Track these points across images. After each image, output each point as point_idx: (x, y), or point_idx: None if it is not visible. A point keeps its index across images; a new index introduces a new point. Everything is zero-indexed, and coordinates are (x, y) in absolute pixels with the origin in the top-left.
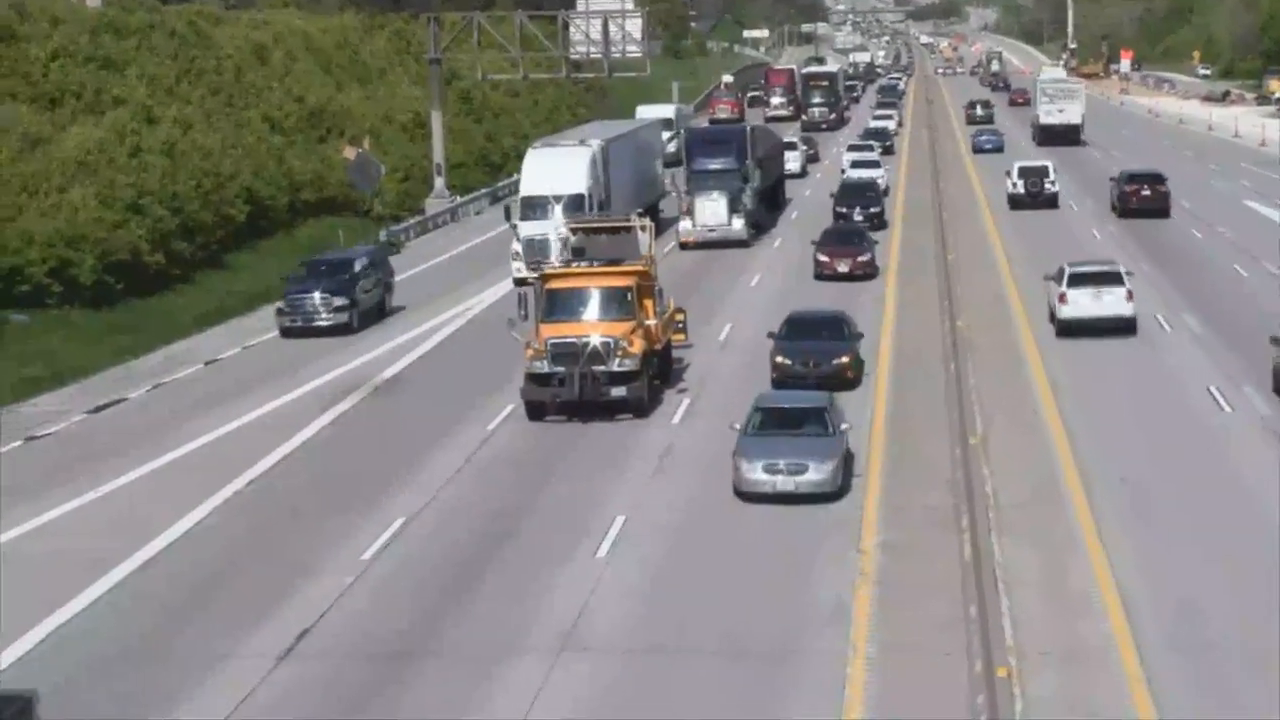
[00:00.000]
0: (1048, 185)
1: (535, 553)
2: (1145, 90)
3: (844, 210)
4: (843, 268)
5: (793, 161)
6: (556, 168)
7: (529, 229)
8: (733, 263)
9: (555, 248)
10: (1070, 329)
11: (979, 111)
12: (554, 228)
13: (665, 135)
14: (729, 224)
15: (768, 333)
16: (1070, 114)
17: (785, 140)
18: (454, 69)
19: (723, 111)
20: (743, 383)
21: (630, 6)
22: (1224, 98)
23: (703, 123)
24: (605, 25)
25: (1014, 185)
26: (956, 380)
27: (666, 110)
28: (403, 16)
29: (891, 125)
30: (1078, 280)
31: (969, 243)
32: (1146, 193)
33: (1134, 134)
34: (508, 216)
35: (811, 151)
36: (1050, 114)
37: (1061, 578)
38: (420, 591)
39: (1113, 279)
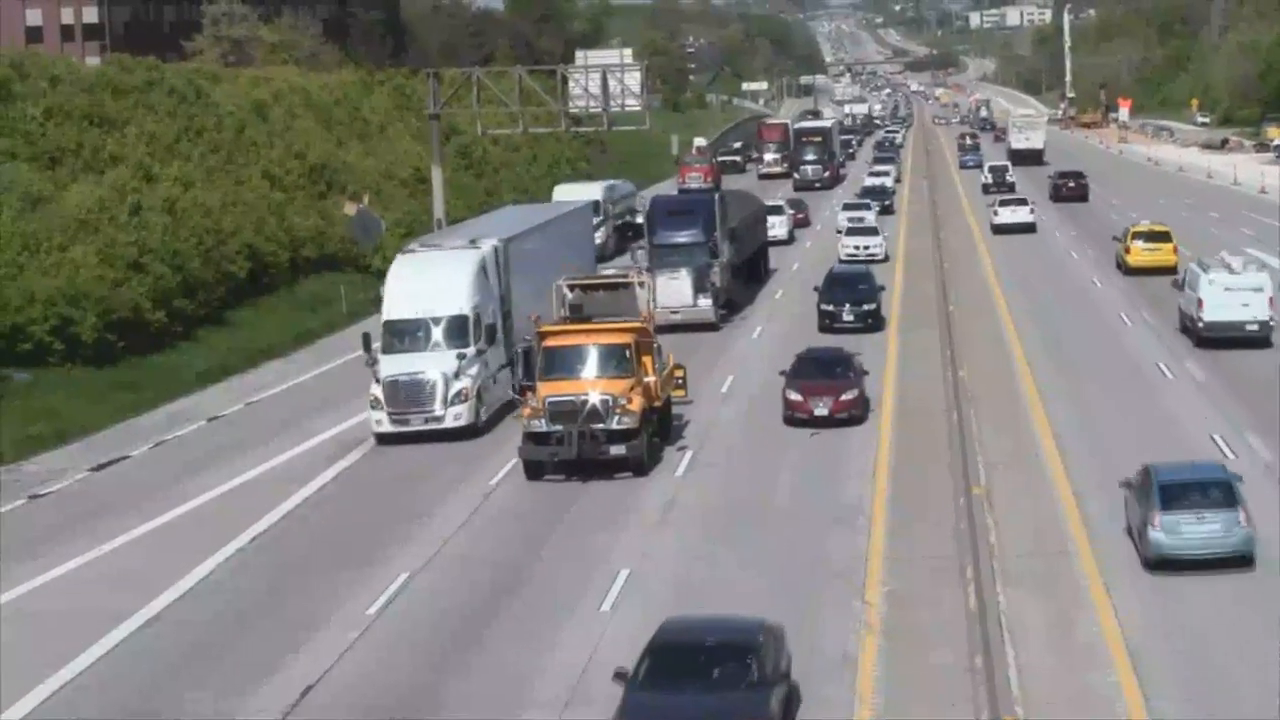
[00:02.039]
0: (1008, 177)
1: (540, 606)
2: (1144, 138)
3: (830, 308)
4: (820, 410)
5: (779, 227)
6: (433, 280)
7: (395, 366)
8: (731, 317)
9: (439, 389)
10: (1001, 230)
11: (967, 141)
12: (434, 363)
13: (595, 220)
14: (694, 304)
15: (614, 672)
16: (1034, 141)
17: (769, 204)
18: (454, 124)
19: (693, 180)
20: (746, 434)
21: (629, 60)
22: (1223, 145)
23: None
24: (604, 79)
25: (986, 177)
26: (959, 429)
27: (592, 191)
28: (402, 72)
29: (889, 181)
30: (1005, 203)
31: (970, 295)
32: (1072, 185)
33: (1135, 183)
34: (366, 346)
35: (800, 215)
36: (1019, 141)
37: (1068, 628)
38: (425, 646)
39: (1024, 202)
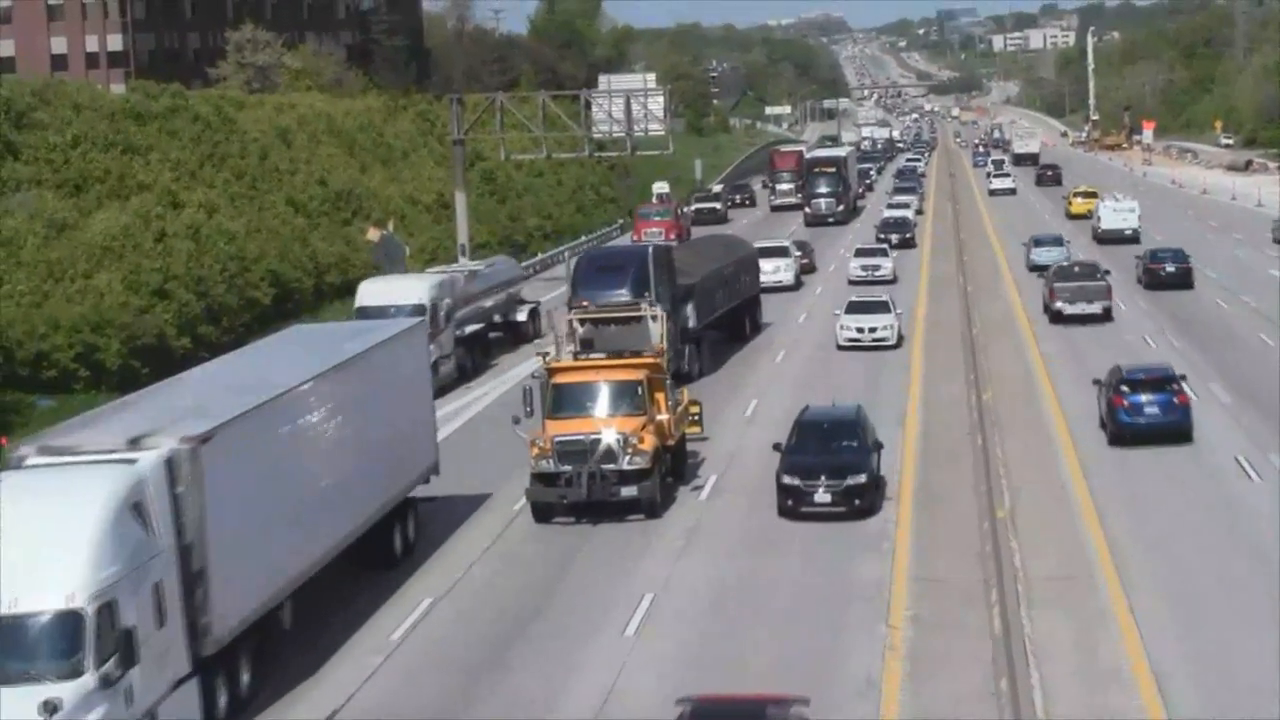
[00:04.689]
0: (1004, 167)
1: (563, 631)
2: (1168, 160)
3: (795, 482)
4: None
5: (783, 271)
6: (25, 534)
7: None
8: (757, 338)
9: None
10: (994, 193)
11: (980, 150)
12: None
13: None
14: None
15: None
16: (1031, 146)
17: (770, 245)
18: (477, 149)
19: (653, 236)
20: (770, 459)
21: (652, 85)
22: (1246, 167)
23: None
24: (627, 104)
25: (990, 169)
26: (984, 454)
27: (415, 289)
28: (426, 98)
29: (910, 214)
30: (995, 176)
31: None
32: (1050, 173)
33: (1154, 204)
34: None
35: (805, 260)
36: (1021, 146)
37: (1093, 651)
38: (449, 671)
39: (1008, 175)
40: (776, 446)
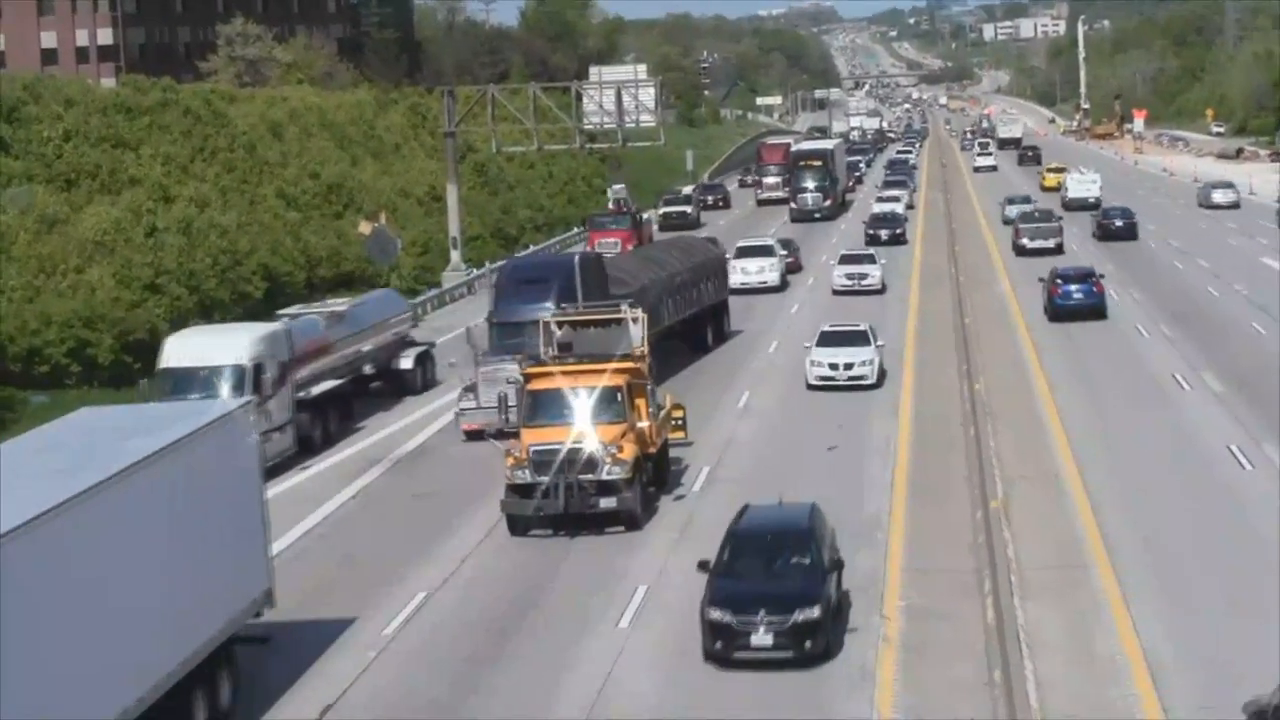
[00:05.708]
0: (989, 149)
1: (558, 624)
2: (1160, 149)
3: (726, 619)
4: None
5: (768, 271)
6: None
7: None
8: (750, 329)
9: None
10: (978, 170)
11: (969, 136)
12: None
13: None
14: None
15: None
16: (1014, 131)
17: (750, 245)
18: (469, 142)
19: (607, 246)
20: (763, 450)
21: (643, 77)
22: (1238, 155)
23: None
24: (618, 95)
25: (975, 149)
26: (976, 443)
27: (233, 347)
28: (417, 91)
29: (900, 208)
30: (979, 155)
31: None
32: (1030, 153)
33: (1146, 193)
34: None
35: (791, 259)
36: (1005, 131)
37: (1086, 641)
38: (443, 665)
39: (990, 154)
40: (703, 565)
